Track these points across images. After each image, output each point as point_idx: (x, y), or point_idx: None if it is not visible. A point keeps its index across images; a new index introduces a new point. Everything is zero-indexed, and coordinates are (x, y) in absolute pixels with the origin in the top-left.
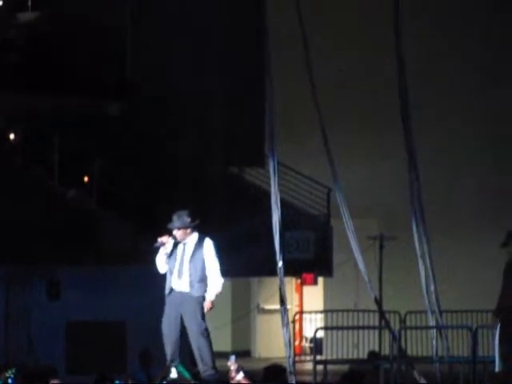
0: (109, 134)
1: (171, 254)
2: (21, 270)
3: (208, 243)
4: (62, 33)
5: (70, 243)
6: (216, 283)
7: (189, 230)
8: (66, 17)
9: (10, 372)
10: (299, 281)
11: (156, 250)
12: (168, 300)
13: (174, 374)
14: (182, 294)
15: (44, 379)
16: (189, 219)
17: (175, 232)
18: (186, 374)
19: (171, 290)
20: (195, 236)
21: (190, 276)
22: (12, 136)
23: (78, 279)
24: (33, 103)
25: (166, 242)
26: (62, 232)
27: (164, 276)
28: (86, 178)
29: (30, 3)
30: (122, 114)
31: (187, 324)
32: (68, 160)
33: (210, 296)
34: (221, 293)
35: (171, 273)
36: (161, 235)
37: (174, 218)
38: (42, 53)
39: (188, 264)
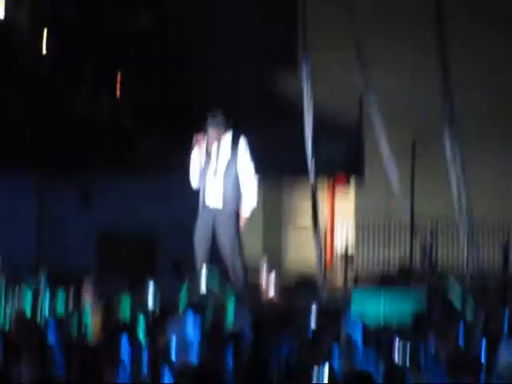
0: (140, 44)
1: (205, 159)
2: (53, 179)
3: (242, 142)
4: None
5: (102, 154)
6: (250, 194)
7: (223, 131)
8: None
9: (42, 279)
10: (331, 191)
11: (189, 159)
12: (201, 212)
13: (203, 286)
14: (215, 208)
15: (76, 286)
16: (223, 119)
17: (210, 132)
18: (217, 286)
19: (204, 202)
20: (229, 137)
21: (224, 187)
22: (43, 47)
23: (110, 190)
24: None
25: (202, 141)
26: (95, 142)
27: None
28: (118, 89)
29: None
30: (151, 20)
31: (220, 237)
32: (100, 71)
33: (245, 212)
34: (255, 204)
35: (204, 183)
36: (195, 139)
37: (209, 117)
38: None
39: (223, 168)
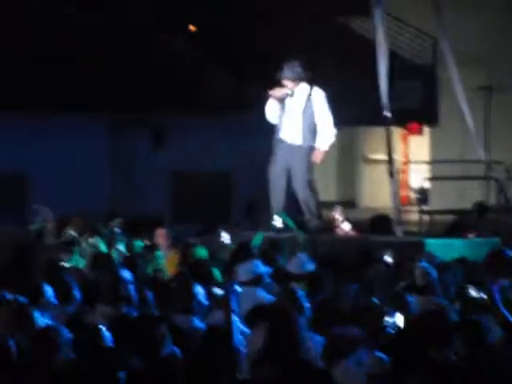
0: None
1: (281, 107)
2: (125, 118)
3: (318, 93)
4: None
5: (175, 92)
6: (328, 133)
7: (299, 81)
8: None
9: (116, 221)
10: (405, 131)
11: (264, 101)
12: (276, 149)
13: (278, 222)
14: (290, 144)
15: (150, 228)
16: (300, 69)
17: (285, 82)
18: (290, 223)
19: (280, 140)
20: (305, 87)
21: (302, 127)
22: None
23: (183, 128)
24: None
25: (278, 94)
26: (168, 81)
27: (271, 126)
28: (191, 27)
29: None
30: None
31: (293, 174)
32: (172, 10)
33: (323, 145)
34: (333, 140)
35: (281, 123)
36: (270, 87)
37: (285, 67)
38: None
39: (298, 115)
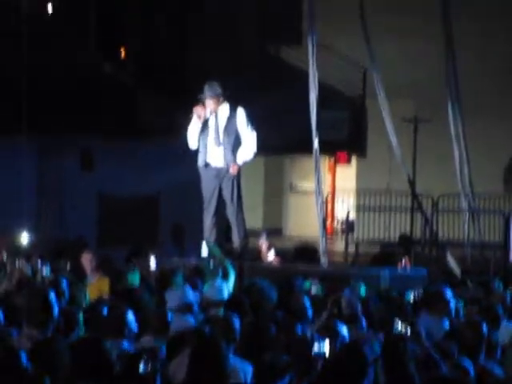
0: (146, 10)
1: (203, 128)
2: (54, 140)
3: (241, 112)
4: None
5: (105, 115)
6: (247, 150)
7: (220, 100)
8: None
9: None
10: (333, 160)
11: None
12: (203, 174)
13: (204, 251)
14: (216, 167)
15: (75, 251)
16: (219, 89)
17: (207, 102)
18: (216, 250)
19: (206, 163)
20: (227, 107)
21: (225, 148)
22: (49, 5)
23: (112, 151)
24: None
25: (201, 112)
26: (98, 104)
27: (196, 151)
28: (122, 52)
29: None
30: None
31: (225, 199)
32: (105, 32)
33: (239, 160)
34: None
35: (205, 146)
36: (194, 106)
37: (206, 87)
38: None
39: (222, 135)
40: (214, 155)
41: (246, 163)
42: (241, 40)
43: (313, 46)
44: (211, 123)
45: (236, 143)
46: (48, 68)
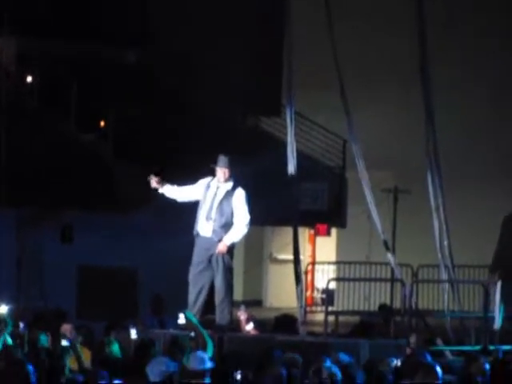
0: (126, 82)
1: (204, 196)
2: (33, 212)
3: (240, 193)
4: None
5: (84, 187)
6: (237, 230)
7: (228, 175)
8: None
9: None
10: (312, 231)
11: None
12: (196, 243)
13: (181, 319)
14: (206, 239)
15: (55, 322)
16: (229, 164)
17: (217, 171)
18: (195, 321)
19: (198, 233)
20: (230, 184)
21: (215, 221)
22: (29, 79)
23: (91, 223)
24: (51, 47)
25: (157, 185)
26: (77, 176)
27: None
28: (102, 123)
29: None
30: (140, 63)
31: (214, 267)
32: (85, 105)
33: (227, 239)
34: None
35: (199, 215)
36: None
37: (220, 157)
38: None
39: (216, 209)
40: (203, 227)
41: (233, 244)
42: (222, 115)
43: (291, 117)
44: (210, 194)
45: (227, 221)
46: (27, 142)
